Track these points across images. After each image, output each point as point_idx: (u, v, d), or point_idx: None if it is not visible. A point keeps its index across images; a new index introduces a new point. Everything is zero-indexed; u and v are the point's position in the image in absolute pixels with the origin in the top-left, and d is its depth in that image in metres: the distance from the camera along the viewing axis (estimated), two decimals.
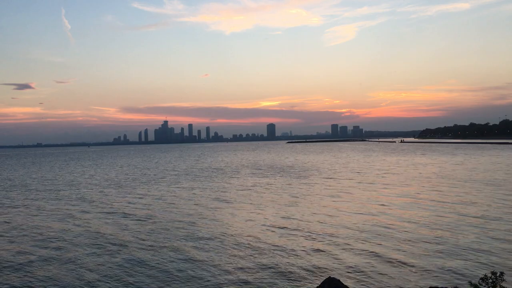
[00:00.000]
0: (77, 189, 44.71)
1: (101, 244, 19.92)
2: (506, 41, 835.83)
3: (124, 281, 14.82)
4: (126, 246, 19.38)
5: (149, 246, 19.27)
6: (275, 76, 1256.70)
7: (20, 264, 17.36)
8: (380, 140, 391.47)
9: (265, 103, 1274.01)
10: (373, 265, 15.62)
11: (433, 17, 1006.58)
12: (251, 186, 43.13)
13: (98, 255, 18.17)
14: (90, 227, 24.15)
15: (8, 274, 16.13)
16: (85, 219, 26.55)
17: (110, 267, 16.41)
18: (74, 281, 14.92)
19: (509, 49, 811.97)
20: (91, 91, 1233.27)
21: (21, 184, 53.12)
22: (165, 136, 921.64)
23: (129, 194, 39.41)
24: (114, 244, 19.83)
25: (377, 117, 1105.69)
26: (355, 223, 22.87)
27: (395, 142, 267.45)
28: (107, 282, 14.72)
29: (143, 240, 20.46)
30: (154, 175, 62.22)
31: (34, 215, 28.87)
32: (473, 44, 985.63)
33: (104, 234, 22.12)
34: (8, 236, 22.58)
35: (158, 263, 16.61)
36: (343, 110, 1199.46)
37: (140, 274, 15.41)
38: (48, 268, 16.62)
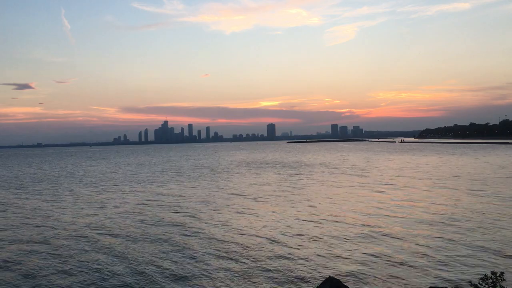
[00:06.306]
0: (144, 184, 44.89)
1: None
2: (506, 41, 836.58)
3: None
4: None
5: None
6: (275, 76, 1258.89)
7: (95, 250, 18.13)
8: (380, 140, 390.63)
9: (265, 103, 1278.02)
10: (374, 265, 15.62)
11: (433, 17, 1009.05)
12: (273, 182, 44.30)
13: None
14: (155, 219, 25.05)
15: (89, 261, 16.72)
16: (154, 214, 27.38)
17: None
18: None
19: (509, 49, 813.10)
20: (91, 91, 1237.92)
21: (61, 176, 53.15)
22: (165, 136, 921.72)
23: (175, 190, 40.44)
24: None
25: (377, 117, 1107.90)
26: (357, 222, 22.85)
27: (395, 142, 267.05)
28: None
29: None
30: (191, 171, 65.58)
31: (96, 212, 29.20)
32: (473, 44, 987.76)
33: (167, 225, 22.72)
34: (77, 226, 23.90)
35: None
36: (343, 110, 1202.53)
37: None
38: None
